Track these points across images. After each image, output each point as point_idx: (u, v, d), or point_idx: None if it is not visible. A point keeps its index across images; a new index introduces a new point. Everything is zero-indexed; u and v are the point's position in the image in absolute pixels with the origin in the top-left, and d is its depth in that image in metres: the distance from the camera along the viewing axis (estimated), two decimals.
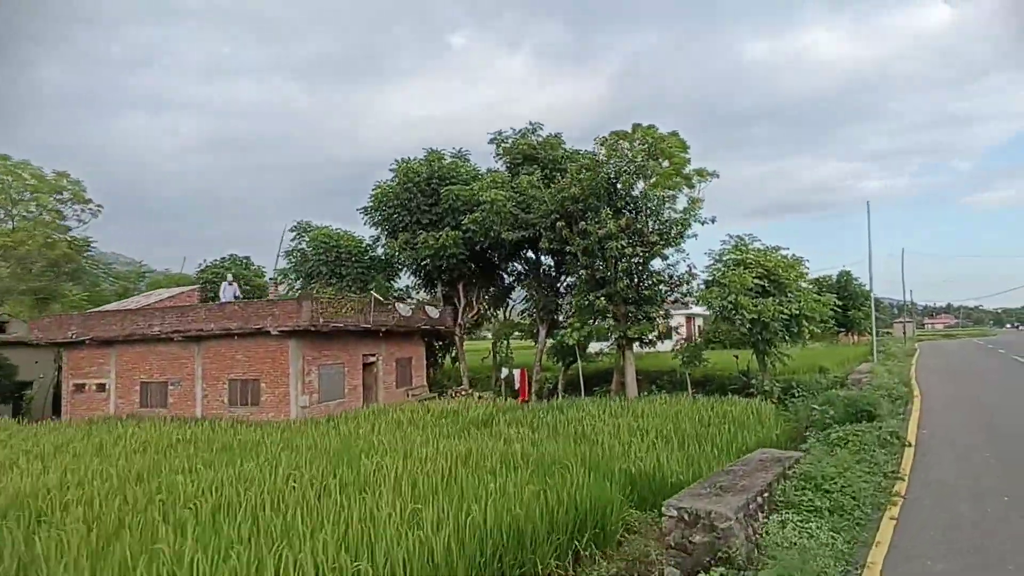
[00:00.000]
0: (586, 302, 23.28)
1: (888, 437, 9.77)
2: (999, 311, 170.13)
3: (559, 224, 23.97)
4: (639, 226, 22.57)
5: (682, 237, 24.59)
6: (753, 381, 21.37)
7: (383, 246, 31.76)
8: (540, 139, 29.52)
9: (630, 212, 23.27)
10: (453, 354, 34.91)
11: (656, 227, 22.92)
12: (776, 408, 20.29)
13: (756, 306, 20.20)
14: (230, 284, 22.40)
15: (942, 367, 24.54)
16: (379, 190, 30.38)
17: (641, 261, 23.13)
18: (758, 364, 21.76)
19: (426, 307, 26.45)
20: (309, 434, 15.10)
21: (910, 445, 9.97)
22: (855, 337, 54.71)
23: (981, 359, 28.38)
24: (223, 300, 21.55)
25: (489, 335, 39.28)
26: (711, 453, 10.92)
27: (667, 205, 24.24)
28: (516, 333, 32.86)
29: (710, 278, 21.89)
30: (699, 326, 53.38)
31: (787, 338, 20.84)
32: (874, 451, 9.39)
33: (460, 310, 32.12)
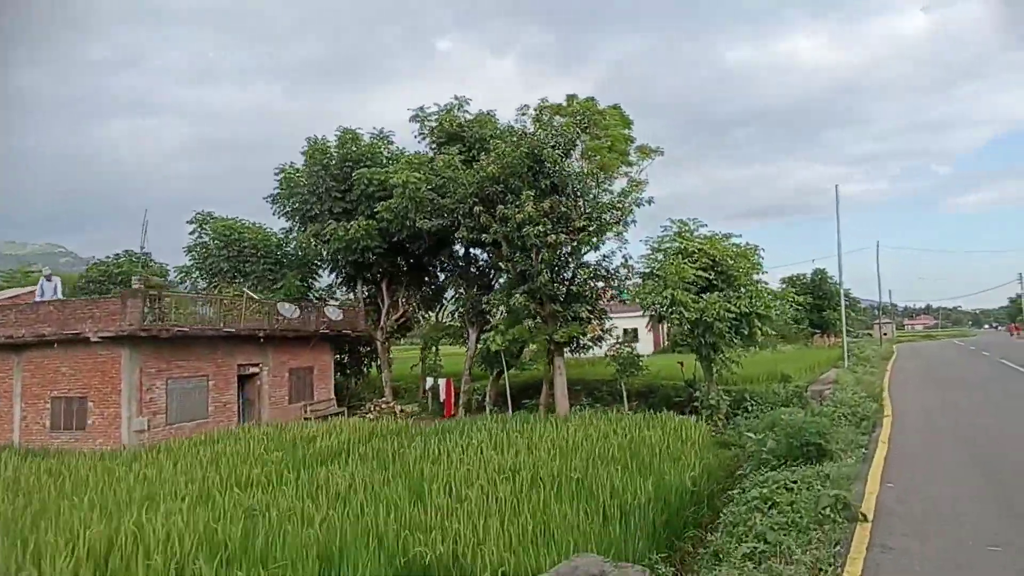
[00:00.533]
0: (508, 301, 19.65)
1: (832, 502, 6.13)
2: (977, 312, 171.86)
3: (476, 209, 20.31)
4: (564, 209, 18.95)
5: (621, 224, 21.09)
6: (697, 393, 17.81)
7: (294, 239, 27.91)
8: (469, 116, 25.80)
9: (557, 194, 19.63)
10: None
11: (584, 211, 19.30)
12: (723, 427, 16.81)
13: (697, 303, 16.65)
14: (48, 280, 18.36)
15: (921, 374, 21.15)
16: (285, 174, 26.49)
17: (569, 251, 19.51)
18: (703, 372, 18.21)
19: (326, 309, 22.56)
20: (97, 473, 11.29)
21: (864, 520, 6.27)
22: (830, 339, 51.66)
23: (965, 364, 25.08)
24: (38, 300, 17.52)
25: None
26: (575, 519, 7.23)
27: (600, 186, 20.70)
28: (449, 338, 29.02)
29: (647, 270, 18.31)
30: (666, 329, 50.04)
31: (736, 341, 17.33)
32: (809, 532, 5.75)
33: (384, 312, 28.38)
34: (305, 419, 22.03)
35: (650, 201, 19.81)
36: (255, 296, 21.14)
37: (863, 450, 9.07)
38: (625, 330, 44.12)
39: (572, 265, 19.41)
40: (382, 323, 28.20)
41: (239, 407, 20.06)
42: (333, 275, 29.79)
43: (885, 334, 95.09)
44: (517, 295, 19.00)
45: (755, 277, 18.36)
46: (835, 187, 25.34)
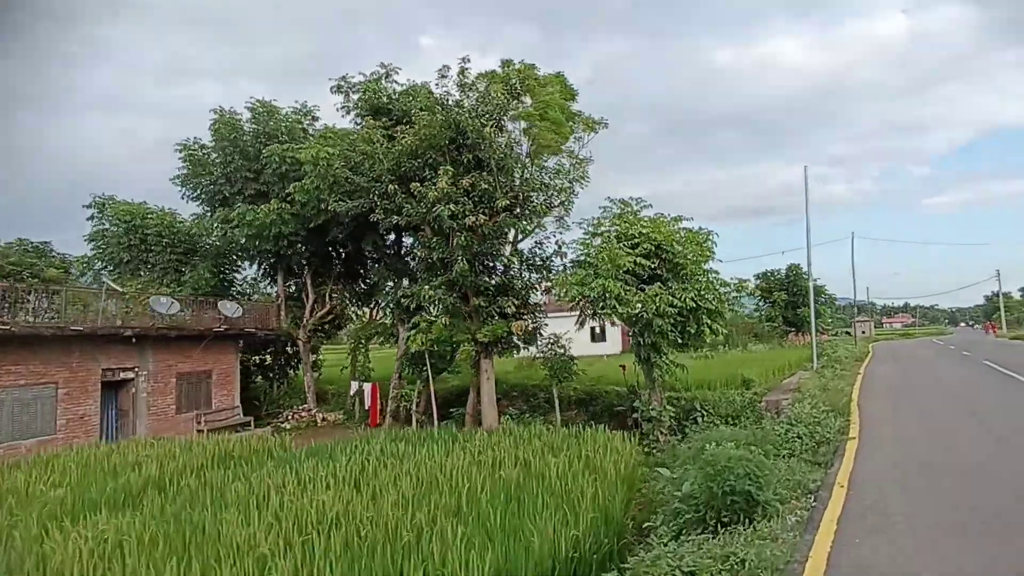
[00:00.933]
0: (420, 294, 16.84)
1: None
2: (953, 310, 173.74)
3: (391, 188, 17.42)
4: (486, 187, 16.12)
5: (561, 207, 18.36)
6: (636, 403, 15.10)
7: (205, 225, 24.78)
8: (398, 88, 22.77)
9: (482, 170, 16.79)
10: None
11: (509, 190, 16.49)
12: (666, 443, 14.14)
13: (634, 296, 13.93)
14: None
15: (897, 379, 18.60)
16: (187, 151, 23.33)
17: (495, 237, 16.67)
18: (644, 378, 15.51)
19: (220, 304, 19.52)
20: None
21: None
22: (805, 338, 49.45)
23: (946, 366, 22.62)
24: None
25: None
26: None
27: (536, 161, 17.93)
28: (379, 337, 26.08)
29: (582, 257, 15.55)
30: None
31: (680, 341, 14.67)
32: None
33: (308, 308, 25.37)
34: (198, 431, 19.03)
35: (583, 177, 17.06)
36: (117, 287, 18.01)
37: (812, 499, 6.38)
38: (594, 330, 41.34)
39: (494, 252, 16.54)
40: (306, 320, 25.25)
41: (107, 420, 16.99)
42: (255, 267, 26.90)
43: (863, 332, 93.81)
44: (428, 288, 16.20)
45: (707, 267, 15.67)
46: (804, 168, 22.89)
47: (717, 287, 15.02)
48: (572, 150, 20.16)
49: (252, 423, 21.22)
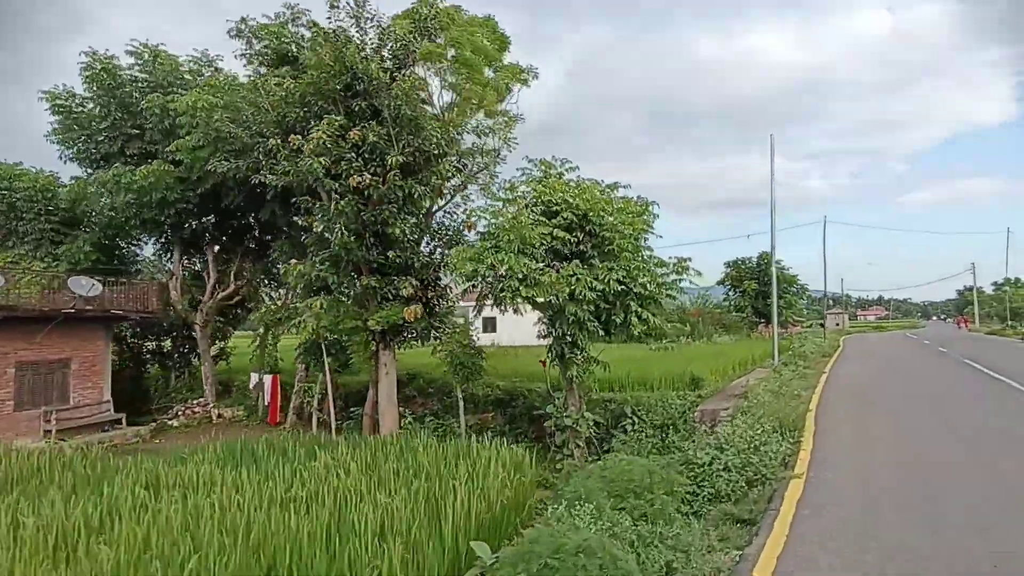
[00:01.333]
0: (293, 271, 13.85)
1: None
2: (925, 303, 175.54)
3: (272, 143, 14.31)
4: (375, 139, 13.06)
5: (486, 171, 15.47)
6: (550, 409, 12.27)
7: (79, 189, 21.27)
8: (307, 33, 19.39)
9: (378, 123, 13.69)
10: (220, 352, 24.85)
11: (405, 145, 13.44)
12: (583, 460, 11.40)
13: (544, 276, 11.07)
14: None
15: (867, 382, 15.86)
16: (53, 100, 19.75)
17: (387, 201, 13.60)
18: (561, 378, 12.69)
19: (70, 282, 16.24)
20: None
21: None
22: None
23: (924, 366, 20.00)
24: None
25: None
26: None
27: (450, 118, 14.87)
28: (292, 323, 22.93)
29: (492, 229, 12.60)
30: None
31: (604, 332, 11.90)
32: None
33: (209, 288, 22.15)
34: (45, 432, 15.90)
35: (509, 142, 14.14)
36: None
37: None
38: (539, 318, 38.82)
39: (401, 224, 13.44)
40: (204, 302, 22.03)
41: None
42: (153, 241, 23.48)
43: (837, 324, 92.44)
44: (302, 265, 13.23)
45: (643, 244, 12.85)
46: (770, 136, 20.22)
47: (652, 268, 12.21)
48: (509, 111, 17.21)
49: (124, 421, 18.08)
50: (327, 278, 13.59)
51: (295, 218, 14.27)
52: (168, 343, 24.56)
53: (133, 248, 24.51)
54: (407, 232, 13.39)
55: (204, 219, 21.25)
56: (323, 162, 12.48)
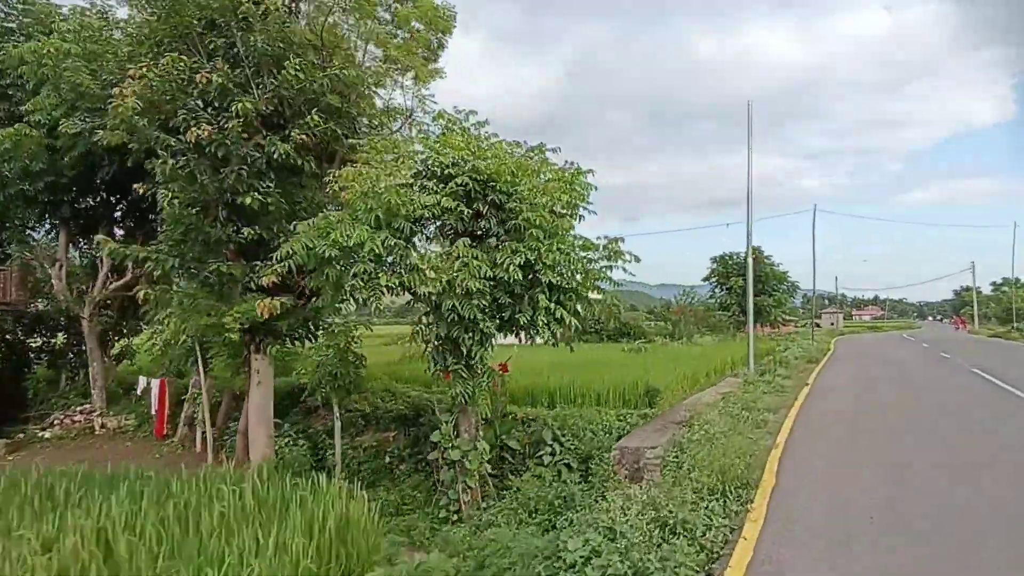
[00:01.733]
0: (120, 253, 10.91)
1: None
2: (921, 304, 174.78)
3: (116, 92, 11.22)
4: (220, 81, 10.01)
5: (382, 129, 12.54)
6: (435, 437, 9.29)
7: None
8: None
9: (246, 68, 10.65)
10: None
11: (265, 91, 10.41)
12: (476, 511, 8.48)
13: (423, 260, 8.09)
14: None
15: (857, 399, 12.64)
16: None
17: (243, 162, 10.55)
18: (449, 393, 9.70)
19: None
20: None
21: None
22: (764, 329, 44.45)
23: (926, 377, 16.74)
24: None
25: None
26: None
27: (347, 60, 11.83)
28: None
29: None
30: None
31: (501, 332, 8.98)
32: None
33: (100, 278, 19.14)
34: None
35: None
36: None
37: None
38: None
39: (250, 193, 10.42)
40: (93, 293, 19.00)
41: None
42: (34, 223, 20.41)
43: (832, 324, 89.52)
44: (129, 247, 10.34)
45: (570, 223, 9.85)
46: (748, 103, 17.32)
47: (574, 252, 9.23)
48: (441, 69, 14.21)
49: None
50: (165, 262, 10.63)
51: (135, 185, 11.22)
52: (60, 339, 21.50)
53: (26, 231, 21.45)
54: (268, 204, 10.38)
55: (92, 197, 18.29)
56: (161, 112, 9.49)
